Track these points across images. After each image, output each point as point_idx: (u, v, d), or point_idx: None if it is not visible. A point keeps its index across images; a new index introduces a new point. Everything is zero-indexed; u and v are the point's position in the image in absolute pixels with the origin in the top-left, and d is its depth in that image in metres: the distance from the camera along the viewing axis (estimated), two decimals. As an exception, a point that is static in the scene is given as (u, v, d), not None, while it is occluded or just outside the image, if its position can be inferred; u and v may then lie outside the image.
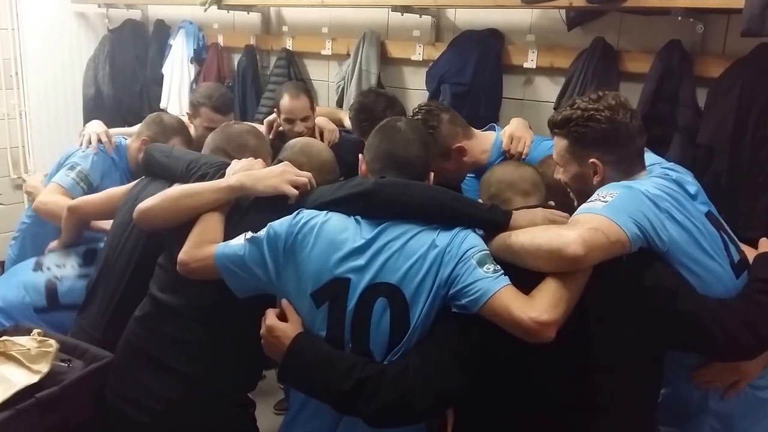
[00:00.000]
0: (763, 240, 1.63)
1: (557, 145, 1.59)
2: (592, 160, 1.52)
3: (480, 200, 1.61)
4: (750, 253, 1.58)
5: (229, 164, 1.74)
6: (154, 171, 1.94)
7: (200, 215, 1.63)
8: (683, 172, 1.57)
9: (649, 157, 1.61)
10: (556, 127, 1.58)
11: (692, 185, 1.54)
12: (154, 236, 1.77)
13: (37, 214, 2.32)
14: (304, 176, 1.63)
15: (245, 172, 1.67)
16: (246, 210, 1.66)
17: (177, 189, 1.70)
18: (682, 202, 1.47)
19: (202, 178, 1.72)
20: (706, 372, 1.48)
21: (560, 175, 1.60)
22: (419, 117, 2.04)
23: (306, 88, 2.81)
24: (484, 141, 2.11)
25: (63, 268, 2.12)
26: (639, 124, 1.54)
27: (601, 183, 1.51)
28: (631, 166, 1.53)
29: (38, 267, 2.14)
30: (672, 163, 1.62)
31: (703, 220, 1.49)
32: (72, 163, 2.34)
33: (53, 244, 2.22)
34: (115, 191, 2.10)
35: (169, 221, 1.66)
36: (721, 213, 1.60)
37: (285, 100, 2.64)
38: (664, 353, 1.46)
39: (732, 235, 1.57)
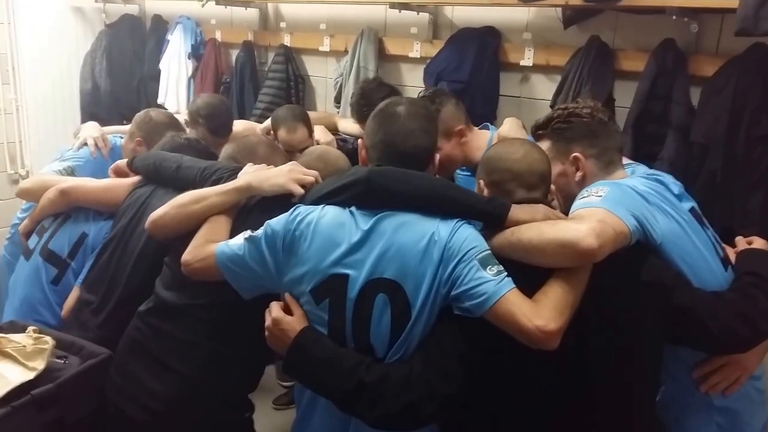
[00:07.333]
0: (739, 238, 1.65)
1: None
2: (574, 154, 1.54)
3: (479, 180, 1.54)
4: (729, 253, 1.59)
5: (242, 168, 1.72)
6: (164, 183, 1.90)
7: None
8: (665, 175, 1.59)
9: (637, 168, 1.64)
10: (540, 128, 1.62)
11: (675, 185, 1.56)
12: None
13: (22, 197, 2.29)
14: (312, 175, 1.60)
15: (252, 173, 1.66)
16: (251, 209, 1.65)
17: (185, 196, 1.68)
18: (668, 197, 1.49)
19: (216, 183, 1.71)
20: (708, 369, 1.47)
21: None
22: (426, 96, 2.04)
23: (304, 116, 2.65)
24: (480, 138, 2.12)
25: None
26: (616, 125, 1.61)
27: (583, 179, 1.52)
28: (612, 163, 1.55)
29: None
30: (653, 170, 1.64)
31: (689, 216, 1.50)
32: (64, 157, 2.37)
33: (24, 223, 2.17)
34: (116, 185, 2.06)
35: (180, 228, 1.64)
36: (715, 211, 1.61)
37: (282, 134, 2.57)
38: (662, 349, 1.45)
39: (714, 232, 1.59)
